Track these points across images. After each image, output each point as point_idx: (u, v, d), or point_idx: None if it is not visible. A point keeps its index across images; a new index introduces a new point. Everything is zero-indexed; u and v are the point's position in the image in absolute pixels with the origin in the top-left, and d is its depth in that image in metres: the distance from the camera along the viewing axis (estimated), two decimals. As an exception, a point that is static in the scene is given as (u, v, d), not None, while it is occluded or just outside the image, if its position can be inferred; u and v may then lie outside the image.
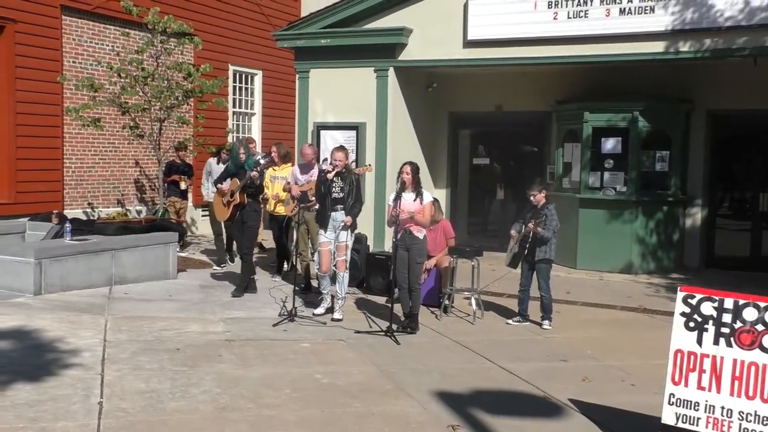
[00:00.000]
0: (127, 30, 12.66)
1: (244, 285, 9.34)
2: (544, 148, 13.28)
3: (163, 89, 11.85)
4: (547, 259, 8.24)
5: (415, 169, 7.92)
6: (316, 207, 8.51)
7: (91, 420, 5.05)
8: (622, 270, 11.68)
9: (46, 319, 7.58)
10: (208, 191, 11.31)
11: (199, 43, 12.29)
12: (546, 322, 8.30)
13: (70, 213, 12.18)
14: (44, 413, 5.12)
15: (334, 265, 8.26)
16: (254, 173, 8.93)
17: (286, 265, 10.60)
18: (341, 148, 8.54)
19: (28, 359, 6.28)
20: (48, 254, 8.81)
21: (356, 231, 9.99)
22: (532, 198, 8.27)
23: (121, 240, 9.73)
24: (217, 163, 11.33)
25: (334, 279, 8.31)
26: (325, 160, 10.08)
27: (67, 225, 9.70)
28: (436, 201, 8.62)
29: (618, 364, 7.00)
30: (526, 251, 8.22)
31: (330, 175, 8.13)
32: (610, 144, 11.88)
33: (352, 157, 11.94)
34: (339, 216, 8.19)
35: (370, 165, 10.20)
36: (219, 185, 9.26)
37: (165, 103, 11.90)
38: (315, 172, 9.26)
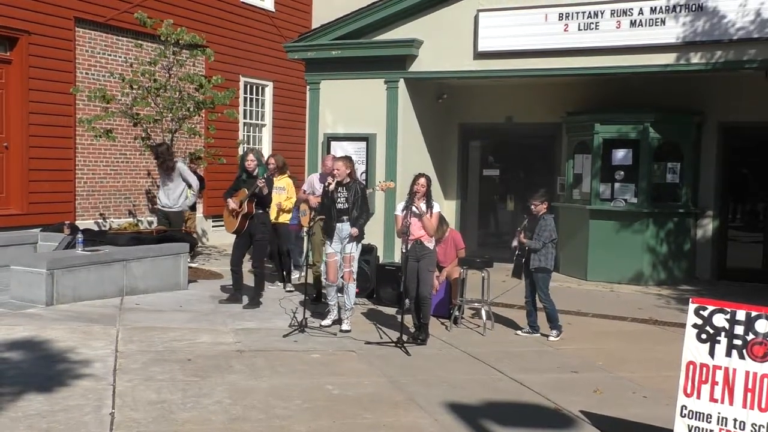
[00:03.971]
0: (139, 42, 12.75)
1: (258, 297, 9.36)
2: (555, 160, 13.27)
3: (175, 100, 11.90)
4: (543, 267, 8.22)
5: (430, 182, 7.96)
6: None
7: (103, 431, 5.07)
8: (632, 281, 11.64)
9: (58, 329, 7.62)
10: (158, 197, 11.44)
11: (212, 54, 12.35)
12: (554, 333, 8.27)
13: (81, 224, 12.23)
14: (56, 424, 5.14)
15: (342, 277, 8.28)
16: (260, 183, 8.96)
17: (295, 273, 10.64)
18: (342, 157, 8.56)
19: (40, 370, 6.31)
20: (60, 265, 8.85)
21: (366, 242, 10.05)
22: (532, 207, 8.32)
23: (133, 251, 9.76)
24: (165, 171, 11.33)
25: (341, 289, 8.34)
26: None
27: (79, 236, 9.75)
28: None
29: (629, 375, 6.98)
30: (522, 260, 8.26)
31: (330, 186, 8.16)
32: (620, 155, 11.87)
33: (362, 168, 11.98)
34: (345, 227, 8.20)
35: (392, 182, 10.17)
36: (228, 199, 9.29)
37: (176, 115, 11.94)
38: None
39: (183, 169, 11.47)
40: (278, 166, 10.35)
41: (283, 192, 10.33)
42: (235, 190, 9.35)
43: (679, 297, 10.70)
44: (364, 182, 11.58)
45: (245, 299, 9.44)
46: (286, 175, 10.56)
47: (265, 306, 9.36)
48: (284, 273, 10.65)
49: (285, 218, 10.41)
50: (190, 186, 11.54)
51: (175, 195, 11.29)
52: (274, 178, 10.28)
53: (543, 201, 8.32)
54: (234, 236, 9.52)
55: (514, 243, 8.42)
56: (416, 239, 7.85)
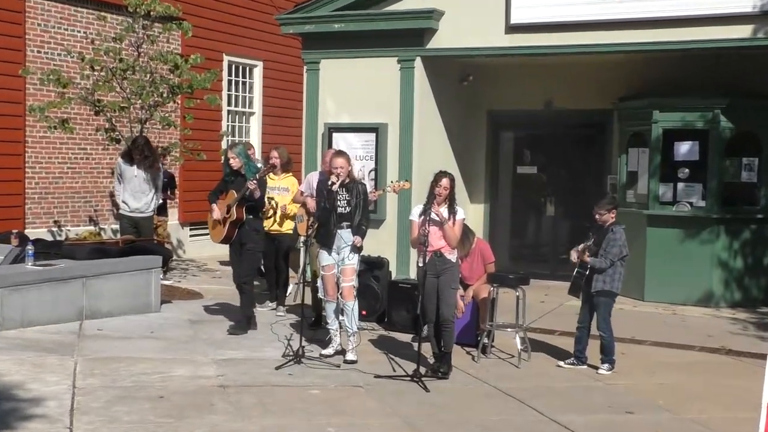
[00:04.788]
0: (103, 13, 12.80)
1: (246, 320, 9.37)
2: (604, 154, 13.23)
3: (145, 84, 11.94)
4: (607, 291, 8.19)
5: (454, 182, 7.96)
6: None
7: (58, 482, 5.08)
8: (700, 302, 11.58)
9: (4, 360, 7.62)
10: (123, 201, 11.46)
11: (189, 28, 12.40)
12: (605, 366, 8.24)
13: (32, 233, 12.28)
14: (1, 473, 5.15)
15: (340, 293, 8.31)
16: (251, 184, 8.98)
17: (290, 287, 10.67)
18: (341, 152, 8.64)
19: (-17, 408, 6.32)
20: (6, 282, 8.86)
21: (377, 255, 10.08)
22: (597, 217, 8.26)
23: (94, 265, 9.78)
24: (130, 165, 11.32)
25: (342, 310, 8.38)
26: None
27: (29, 247, 9.77)
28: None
29: (697, 417, 6.93)
30: (583, 279, 8.20)
31: (335, 187, 8.19)
32: (684, 149, 11.82)
33: (370, 165, 11.98)
34: (346, 235, 8.25)
35: (407, 181, 10.17)
36: (213, 205, 9.31)
37: (147, 101, 11.99)
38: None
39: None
40: (283, 161, 10.37)
41: (287, 194, 10.30)
42: (221, 191, 9.38)
43: (758, 322, 10.66)
44: (372, 181, 11.62)
45: (232, 322, 9.49)
46: (290, 174, 10.55)
47: (253, 331, 9.36)
48: (277, 292, 10.66)
49: (289, 226, 10.36)
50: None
51: (147, 198, 11.33)
52: (277, 177, 10.31)
53: (611, 209, 8.29)
54: (216, 247, 9.54)
55: (574, 257, 8.32)
56: (435, 251, 7.84)
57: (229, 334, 9.18)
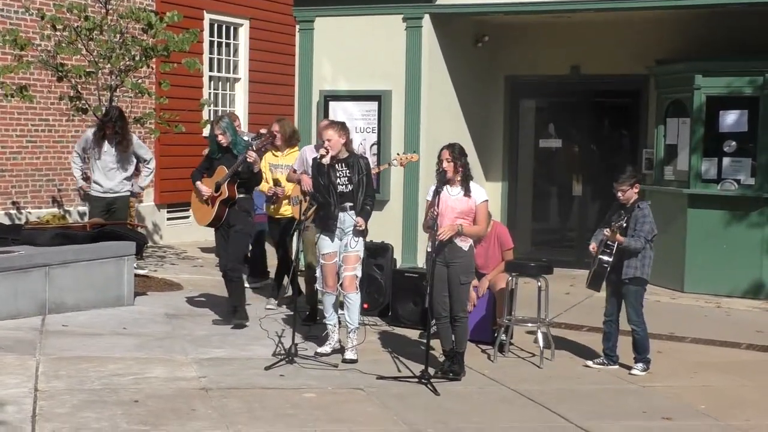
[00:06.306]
0: (65, -35, 12.79)
1: (234, 312, 9.42)
2: (639, 126, 13.21)
3: (115, 46, 11.92)
4: (638, 278, 8.19)
5: (458, 153, 7.89)
6: None
7: (18, 497, 5.11)
8: (748, 294, 11.59)
9: (-43, 359, 7.67)
10: (94, 180, 11.35)
11: (164, -18, 12.39)
12: (638, 365, 8.26)
13: (-12, 216, 12.32)
14: (-46, 488, 5.18)
15: (340, 284, 8.32)
16: (252, 155, 9.00)
17: (288, 286, 10.68)
18: (332, 123, 8.59)
19: (-67, 414, 6.36)
20: (-41, 271, 8.92)
21: (379, 240, 10.08)
22: (620, 195, 8.24)
23: (58, 252, 9.79)
24: (101, 139, 11.19)
25: (343, 305, 8.39)
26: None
27: (-16, 232, 9.81)
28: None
29: (744, 424, 6.95)
30: (609, 267, 8.16)
31: (325, 160, 8.17)
32: (731, 119, 11.80)
33: (372, 138, 11.96)
34: (348, 217, 8.25)
35: (415, 153, 10.13)
36: (198, 183, 9.33)
37: (117, 65, 11.97)
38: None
39: (137, 144, 11.50)
40: (286, 136, 10.34)
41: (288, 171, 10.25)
42: (206, 169, 9.41)
43: (813, 315, 10.68)
44: (374, 156, 11.60)
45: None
46: (296, 149, 10.49)
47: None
48: (280, 282, 10.65)
49: (289, 209, 10.29)
50: (146, 161, 11.55)
51: (122, 175, 11.27)
52: (278, 153, 10.29)
53: (633, 183, 8.27)
54: (198, 232, 9.55)
55: (593, 244, 8.28)
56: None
57: (233, 328, 9.22)
